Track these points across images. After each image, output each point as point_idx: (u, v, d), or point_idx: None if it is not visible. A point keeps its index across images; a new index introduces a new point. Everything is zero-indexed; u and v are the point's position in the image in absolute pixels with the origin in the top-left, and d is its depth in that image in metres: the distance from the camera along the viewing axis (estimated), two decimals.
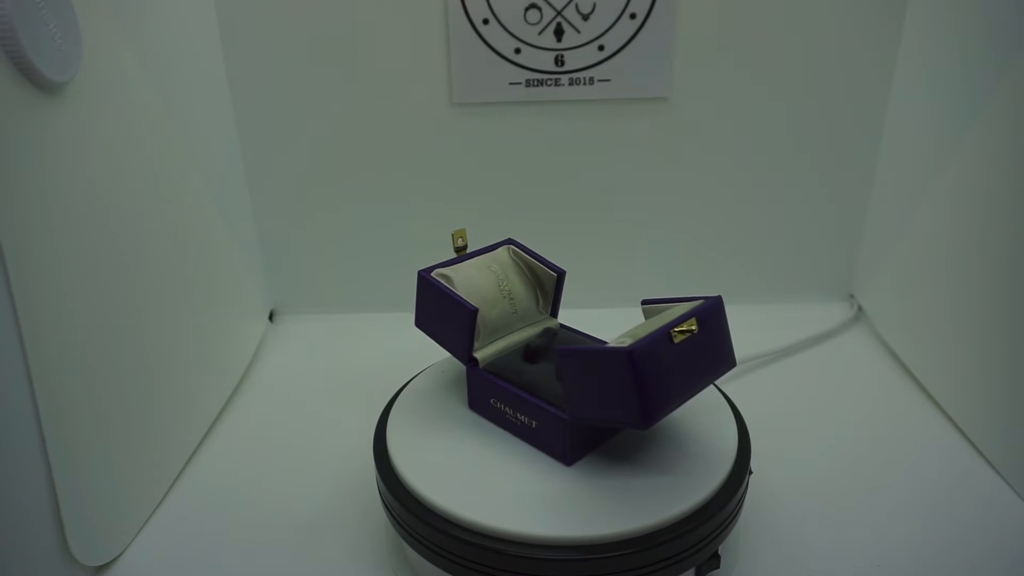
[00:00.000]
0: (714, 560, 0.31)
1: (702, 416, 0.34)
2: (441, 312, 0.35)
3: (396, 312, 0.57)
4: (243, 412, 0.48)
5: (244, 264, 0.53)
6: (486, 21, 0.49)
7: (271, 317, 0.59)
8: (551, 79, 0.51)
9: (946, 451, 0.42)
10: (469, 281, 0.35)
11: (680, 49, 0.50)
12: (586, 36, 0.50)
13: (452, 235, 0.37)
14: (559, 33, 0.50)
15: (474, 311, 0.33)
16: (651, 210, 0.56)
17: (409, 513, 0.30)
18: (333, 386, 0.50)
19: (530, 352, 0.34)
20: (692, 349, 0.28)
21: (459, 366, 0.37)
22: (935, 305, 0.47)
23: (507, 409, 0.33)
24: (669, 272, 0.58)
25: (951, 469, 0.41)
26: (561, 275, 0.36)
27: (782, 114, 0.53)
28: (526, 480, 0.31)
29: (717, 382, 0.33)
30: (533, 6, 0.49)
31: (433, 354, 0.41)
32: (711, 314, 0.29)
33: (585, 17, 0.49)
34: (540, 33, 0.50)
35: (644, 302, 0.33)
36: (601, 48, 0.50)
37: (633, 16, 0.49)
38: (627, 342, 0.28)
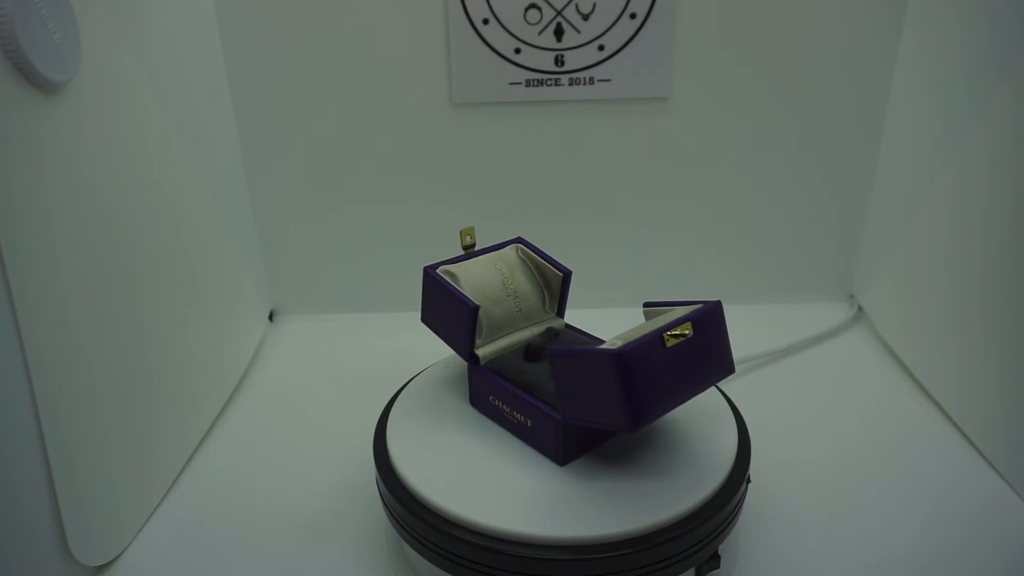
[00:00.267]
0: (714, 560, 0.31)
1: (702, 416, 0.34)
2: (444, 308, 0.35)
3: (396, 312, 0.58)
4: (243, 412, 0.48)
5: (244, 264, 0.53)
6: (486, 21, 0.49)
7: (271, 317, 0.59)
8: (551, 79, 0.51)
9: (946, 451, 0.42)
10: (473, 278, 0.35)
11: (680, 49, 0.50)
12: (586, 36, 0.50)
13: (460, 232, 0.37)
14: (559, 33, 0.50)
15: (475, 308, 0.33)
16: (651, 210, 0.56)
17: (409, 513, 0.30)
18: (333, 386, 0.50)
19: (531, 351, 0.34)
20: (686, 353, 0.28)
21: (462, 364, 0.37)
22: (935, 305, 0.47)
23: (505, 407, 0.33)
24: (669, 272, 0.58)
25: (951, 469, 0.41)
26: (567, 275, 0.36)
27: (782, 114, 0.53)
28: (526, 480, 0.31)
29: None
30: (533, 6, 0.49)
31: (433, 354, 0.41)
32: (708, 319, 0.29)
33: (585, 17, 0.49)
34: (540, 33, 0.50)
35: (646, 305, 0.33)
36: (601, 48, 0.50)
37: (633, 16, 0.49)
38: (618, 344, 0.27)
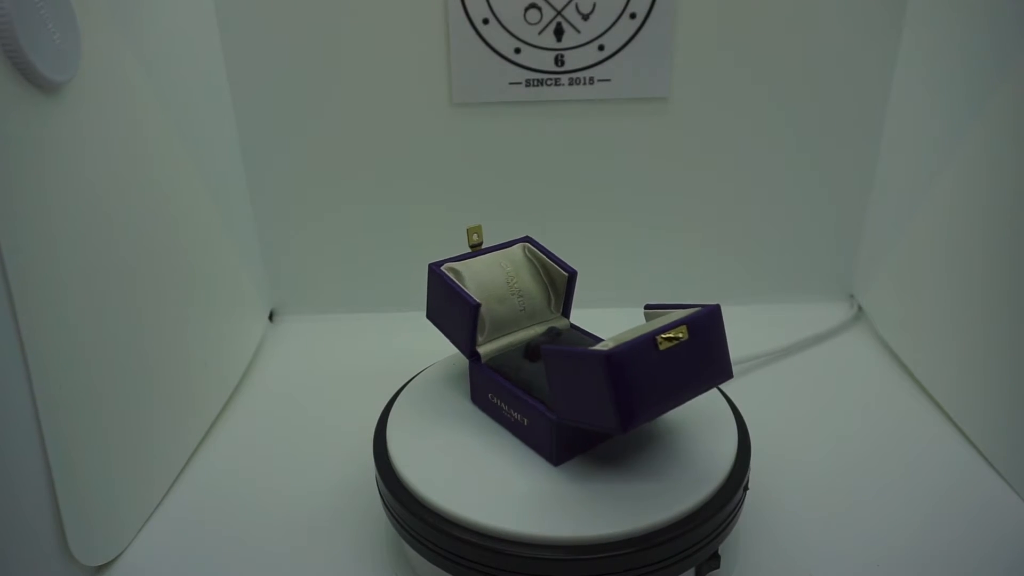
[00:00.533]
0: (714, 560, 0.31)
1: (702, 417, 0.34)
2: (447, 305, 0.35)
3: (396, 312, 0.58)
4: (243, 412, 0.48)
5: (244, 264, 0.53)
6: (486, 21, 0.49)
7: (271, 317, 0.59)
8: (551, 79, 0.51)
9: (946, 451, 0.42)
10: (477, 276, 0.35)
11: (680, 49, 0.50)
12: (586, 36, 0.50)
13: (467, 231, 0.37)
14: (559, 33, 0.50)
15: (476, 306, 0.34)
16: (651, 210, 0.56)
17: (409, 513, 0.30)
18: (333, 386, 0.50)
19: (531, 350, 0.34)
20: (680, 357, 0.28)
21: (464, 362, 0.37)
22: (935, 305, 0.47)
23: (503, 405, 0.34)
24: (669, 272, 0.58)
25: (951, 469, 0.41)
26: (573, 275, 0.36)
27: (782, 114, 0.53)
28: (527, 480, 0.31)
29: None
30: (533, 6, 0.49)
31: (433, 353, 0.41)
32: (705, 323, 0.28)
33: (585, 17, 0.49)
34: (540, 33, 0.50)
35: (647, 307, 0.32)
36: (601, 48, 0.50)
37: (633, 16, 0.49)
38: (611, 345, 0.27)
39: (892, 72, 0.51)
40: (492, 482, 0.31)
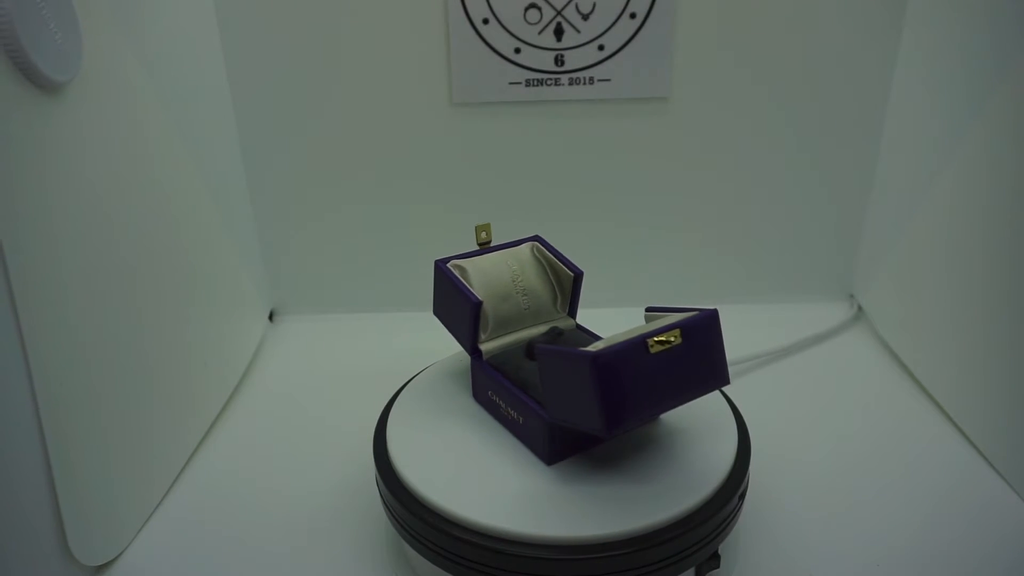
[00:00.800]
0: (714, 560, 0.31)
1: (702, 417, 0.34)
2: (450, 302, 0.36)
3: (396, 312, 0.58)
4: (243, 412, 0.48)
5: (244, 264, 0.53)
6: (486, 21, 0.49)
7: (271, 317, 0.59)
8: (551, 79, 0.51)
9: (946, 451, 0.42)
10: (482, 274, 0.36)
11: (680, 49, 0.50)
12: (586, 36, 0.50)
13: (475, 228, 0.37)
14: (559, 33, 0.50)
15: (477, 303, 0.34)
16: (651, 210, 0.56)
17: (409, 513, 0.30)
18: (333, 386, 0.50)
19: (531, 349, 0.35)
20: (672, 361, 0.27)
21: (466, 361, 0.37)
22: (935, 305, 0.47)
23: (501, 402, 0.34)
24: (668, 272, 0.58)
25: (951, 469, 0.41)
26: (579, 275, 0.36)
27: (782, 114, 0.53)
28: (527, 479, 0.31)
29: None
30: (533, 6, 0.49)
31: (434, 353, 0.41)
32: (700, 327, 0.28)
33: (585, 17, 0.49)
34: (540, 33, 0.50)
35: (648, 309, 0.32)
36: (601, 48, 0.50)
37: (633, 16, 0.49)
38: (601, 346, 0.27)
39: (892, 72, 0.51)
40: (493, 482, 0.31)
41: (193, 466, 0.42)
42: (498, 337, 0.36)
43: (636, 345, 0.26)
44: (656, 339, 0.27)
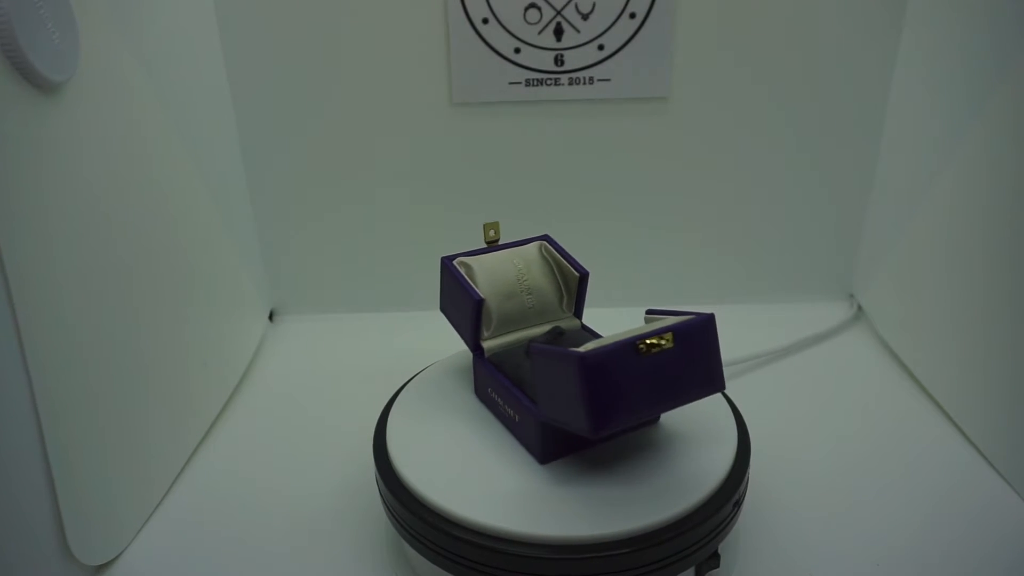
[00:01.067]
0: (714, 559, 0.31)
1: (701, 416, 0.34)
2: (454, 299, 0.36)
3: (396, 312, 0.58)
4: (243, 412, 0.48)
5: (244, 264, 0.53)
6: (486, 21, 0.49)
7: (271, 317, 0.59)
8: (551, 79, 0.51)
9: (946, 451, 0.42)
10: (487, 272, 0.36)
11: (680, 49, 0.50)
12: (586, 36, 0.50)
13: (484, 227, 0.37)
14: (559, 33, 0.50)
15: (479, 300, 0.34)
16: (650, 210, 0.56)
17: (409, 512, 0.30)
18: (333, 386, 0.50)
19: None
20: (664, 364, 0.27)
21: (468, 359, 0.37)
22: (935, 305, 0.47)
23: (499, 400, 0.34)
24: (668, 272, 0.58)
25: (951, 469, 0.41)
26: (584, 276, 0.36)
27: (782, 114, 0.53)
28: (526, 479, 0.31)
29: None
30: (533, 6, 0.49)
31: (434, 353, 0.41)
32: (695, 331, 0.27)
33: (585, 17, 0.49)
34: (540, 33, 0.50)
35: (648, 311, 0.32)
36: (601, 48, 0.50)
37: (633, 16, 0.49)
38: (591, 347, 0.27)
39: (892, 72, 0.51)
40: (493, 482, 0.31)
41: (193, 466, 0.42)
42: (502, 335, 0.36)
43: (625, 347, 0.26)
44: (647, 341, 0.26)
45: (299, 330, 0.58)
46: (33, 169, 0.30)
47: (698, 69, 0.51)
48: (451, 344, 0.41)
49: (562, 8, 0.49)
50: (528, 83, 0.51)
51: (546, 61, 0.51)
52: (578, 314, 0.37)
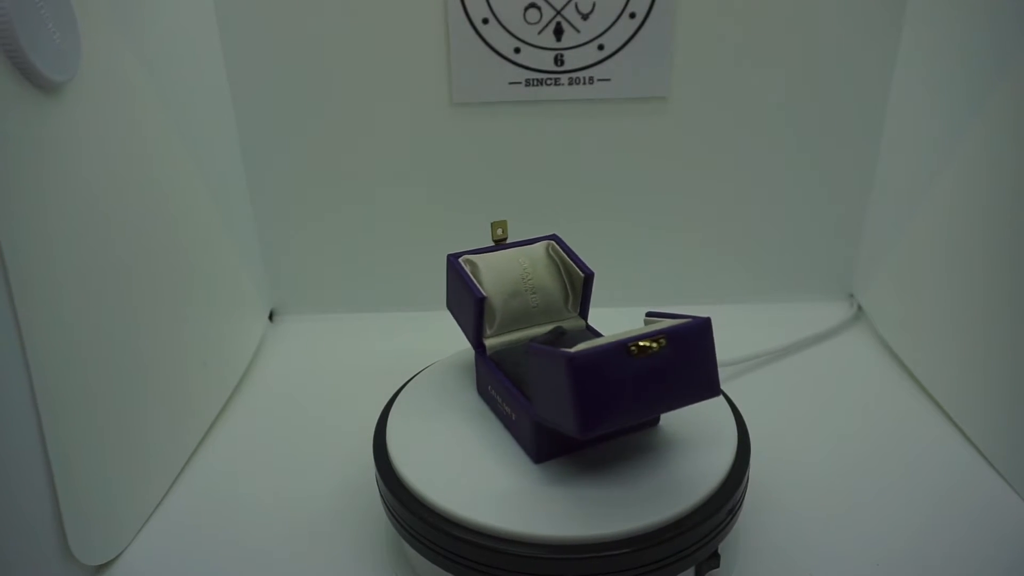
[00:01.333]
0: (714, 559, 0.31)
1: (701, 416, 0.34)
2: (458, 296, 0.36)
3: (396, 312, 0.58)
4: (243, 412, 0.48)
5: (244, 264, 0.53)
6: (486, 21, 0.49)
7: (271, 317, 0.59)
8: (551, 79, 0.51)
9: (946, 451, 0.42)
10: (492, 270, 0.36)
11: (680, 49, 0.50)
12: (586, 36, 0.50)
13: (491, 225, 0.38)
14: (559, 33, 0.50)
15: (481, 298, 0.34)
16: (650, 210, 0.56)
17: (409, 512, 0.30)
18: (333, 386, 0.50)
19: None
20: (657, 367, 0.27)
21: (470, 358, 0.37)
22: (935, 305, 0.47)
23: (498, 398, 0.34)
24: (668, 272, 0.58)
25: (951, 469, 0.41)
26: (589, 276, 0.36)
27: (782, 114, 0.53)
28: (526, 479, 0.31)
29: None
30: (533, 6, 0.49)
31: (434, 353, 0.41)
32: (689, 335, 0.27)
33: (585, 17, 0.49)
34: (540, 33, 0.50)
35: (648, 314, 0.32)
36: (601, 48, 0.50)
37: (633, 15, 0.49)
38: (583, 347, 0.27)
39: (892, 72, 0.51)
40: (494, 481, 0.31)
41: (193, 466, 0.42)
42: (505, 333, 0.36)
43: (616, 348, 0.26)
44: (639, 344, 0.26)
45: (299, 330, 0.58)
46: (34, 169, 0.30)
47: (698, 69, 0.51)
48: (451, 344, 0.41)
49: (562, 8, 0.49)
50: (528, 83, 0.51)
51: (546, 61, 0.51)
52: (584, 314, 0.37)
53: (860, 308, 0.57)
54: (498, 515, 0.29)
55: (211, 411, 0.46)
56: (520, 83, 0.51)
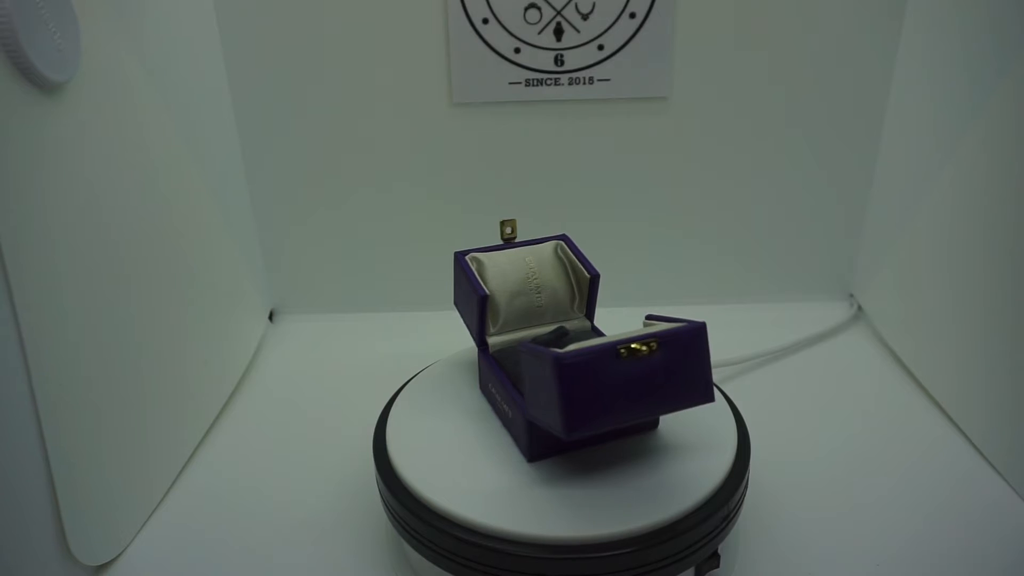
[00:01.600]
0: (714, 559, 0.31)
1: (701, 416, 0.34)
2: (463, 293, 0.36)
3: (396, 312, 0.58)
4: (243, 412, 0.48)
5: (244, 264, 0.53)
6: (486, 21, 0.49)
7: (271, 317, 0.59)
8: (551, 79, 0.51)
9: (946, 451, 0.42)
10: (498, 268, 0.36)
11: (680, 48, 0.50)
12: (586, 36, 0.50)
13: (500, 224, 0.38)
14: (559, 33, 0.50)
15: (484, 296, 0.34)
16: (651, 209, 0.56)
17: (409, 513, 0.30)
18: (333, 386, 0.50)
19: None
20: (647, 370, 0.26)
21: (472, 357, 0.37)
22: (935, 305, 0.47)
23: (497, 395, 0.34)
24: (668, 272, 0.58)
25: (951, 469, 0.41)
26: (595, 277, 0.36)
27: (782, 113, 0.53)
28: (527, 479, 0.31)
29: (717, 382, 0.33)
30: (533, 6, 0.49)
31: (433, 353, 0.41)
32: (682, 339, 0.27)
33: (585, 17, 0.49)
34: (540, 33, 0.50)
35: (648, 317, 0.32)
36: (601, 48, 0.50)
37: (633, 15, 0.49)
38: (573, 348, 0.27)
39: (892, 71, 0.51)
40: (494, 482, 0.31)
41: (193, 466, 0.42)
42: (509, 332, 0.36)
43: (605, 350, 0.26)
44: (630, 346, 0.26)
45: (299, 330, 0.58)
46: (34, 169, 0.30)
47: (698, 69, 0.51)
48: (451, 344, 0.41)
49: (562, 8, 0.49)
50: (528, 83, 0.51)
51: (546, 61, 0.51)
52: (590, 315, 0.37)
53: (860, 308, 0.57)
54: (499, 515, 0.29)
55: (211, 411, 0.46)
56: (520, 83, 0.51)
